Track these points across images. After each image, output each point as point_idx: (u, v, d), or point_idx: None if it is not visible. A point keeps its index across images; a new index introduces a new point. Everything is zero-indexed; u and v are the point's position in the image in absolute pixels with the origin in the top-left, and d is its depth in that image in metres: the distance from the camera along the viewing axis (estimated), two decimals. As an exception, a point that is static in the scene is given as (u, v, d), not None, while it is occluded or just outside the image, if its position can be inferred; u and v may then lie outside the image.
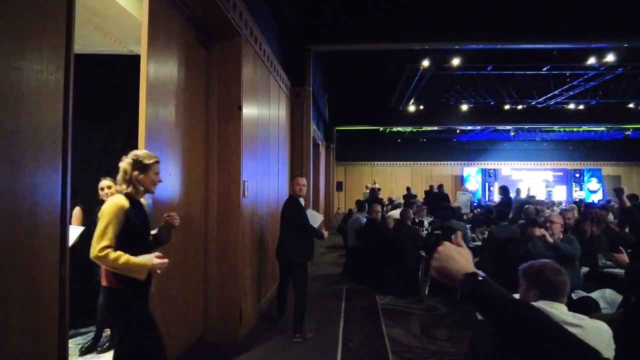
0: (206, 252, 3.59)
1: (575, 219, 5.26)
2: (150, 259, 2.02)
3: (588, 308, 3.33)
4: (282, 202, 4.19)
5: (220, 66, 3.65)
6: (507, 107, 11.43)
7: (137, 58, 2.60)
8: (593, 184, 16.77)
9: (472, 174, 17.46)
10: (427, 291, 5.18)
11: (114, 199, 2.03)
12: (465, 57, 7.89)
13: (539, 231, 3.67)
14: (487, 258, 5.25)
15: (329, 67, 9.64)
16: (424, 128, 14.25)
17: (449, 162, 17.85)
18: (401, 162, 17.68)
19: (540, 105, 11.16)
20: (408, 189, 10.56)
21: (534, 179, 16.96)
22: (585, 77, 8.77)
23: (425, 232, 5.68)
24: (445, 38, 6.17)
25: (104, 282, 2.03)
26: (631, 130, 14.06)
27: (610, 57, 7.55)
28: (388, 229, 5.83)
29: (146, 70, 2.57)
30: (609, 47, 7.19)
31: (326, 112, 11.14)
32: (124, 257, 1.92)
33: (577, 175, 17.02)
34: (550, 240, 3.63)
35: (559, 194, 16.30)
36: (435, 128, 14.22)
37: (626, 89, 9.68)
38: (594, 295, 3.48)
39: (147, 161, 2.10)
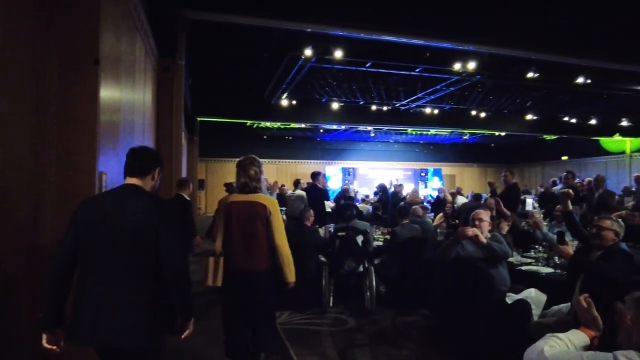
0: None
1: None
2: None
3: (523, 313, 3.10)
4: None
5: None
6: (373, 107, 11.72)
7: None
8: (435, 182, 18.69)
9: (334, 172, 17.79)
10: (331, 302, 4.55)
11: None
12: (348, 50, 7.56)
13: (471, 231, 3.32)
14: (390, 259, 4.89)
15: (196, 49, 8.34)
16: (292, 125, 13.86)
17: (313, 161, 17.95)
18: (267, 160, 17.01)
19: (403, 108, 11.73)
20: (297, 182, 9.64)
21: (387, 177, 18.14)
22: (448, 82, 9.35)
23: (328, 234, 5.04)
24: (333, 22, 5.69)
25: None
26: (468, 135, 16.01)
27: (472, 64, 8.11)
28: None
29: None
30: (474, 52, 7.66)
31: (189, 100, 9.74)
32: None
33: (423, 174, 18.83)
34: (484, 241, 3.31)
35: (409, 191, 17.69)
36: (304, 125, 13.95)
37: (475, 96, 10.73)
38: (522, 296, 3.28)
39: None
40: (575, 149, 16.54)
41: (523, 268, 3.64)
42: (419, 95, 10.46)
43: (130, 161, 1.94)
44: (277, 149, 17.00)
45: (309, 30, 6.34)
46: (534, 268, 3.63)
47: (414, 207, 5.47)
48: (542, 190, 9.68)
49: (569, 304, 2.98)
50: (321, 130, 15.60)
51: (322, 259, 4.73)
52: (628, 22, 6.37)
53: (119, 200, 1.83)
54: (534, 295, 3.27)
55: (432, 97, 10.68)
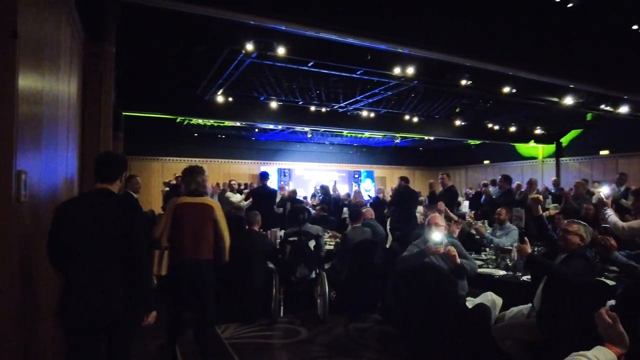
0: None
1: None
2: None
3: (484, 317, 3.10)
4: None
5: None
6: (312, 108, 11.61)
7: None
8: (367, 183, 19.09)
9: (270, 173, 17.42)
10: (281, 312, 4.29)
11: None
12: (291, 47, 7.34)
13: (451, 251, 3.25)
14: (340, 263, 4.74)
15: (124, 37, 7.59)
16: (226, 123, 13.31)
17: (247, 161, 17.47)
18: (196, 159, 16.21)
19: (342, 110, 11.75)
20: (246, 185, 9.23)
21: (323, 179, 18.19)
22: (386, 86, 9.49)
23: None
24: (275, 15, 5.44)
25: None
26: (400, 138, 16.51)
27: (410, 70, 8.28)
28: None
29: None
30: (413, 57, 7.80)
31: (114, 93, 8.88)
32: None
33: (356, 176, 19.14)
34: (458, 262, 3.27)
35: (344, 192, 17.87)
36: (239, 124, 13.45)
37: (411, 101, 11.04)
38: (480, 299, 3.29)
39: None
40: (496, 153, 17.78)
41: (479, 271, 3.68)
42: (357, 98, 10.52)
43: (101, 168, 2.24)
44: (209, 148, 16.29)
45: (252, 22, 6.02)
46: (488, 271, 3.68)
47: (365, 209, 5.38)
48: (472, 192, 10.19)
49: (529, 305, 3.04)
50: (257, 130, 15.18)
51: (271, 265, 4.46)
52: (549, 37, 6.88)
53: (95, 202, 2.16)
54: (490, 299, 3.30)
55: (370, 100, 10.81)
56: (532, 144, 15.70)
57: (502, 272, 3.65)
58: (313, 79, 9.17)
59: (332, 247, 5.04)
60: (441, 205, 5.08)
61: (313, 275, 4.24)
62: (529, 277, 3.40)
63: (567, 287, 2.69)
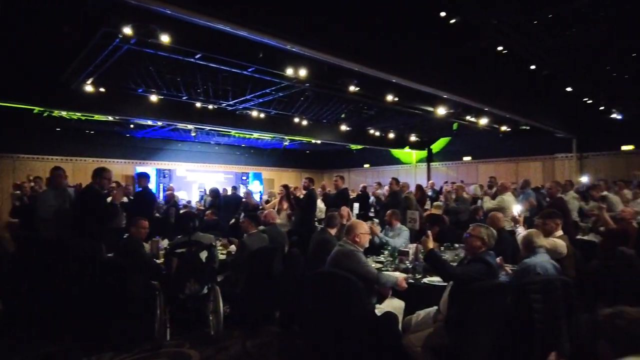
0: None
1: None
2: None
3: (392, 324, 3.05)
4: None
5: None
6: (198, 105, 10.88)
7: None
8: (256, 185, 18.73)
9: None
10: (168, 334, 3.74)
11: None
12: (177, 36, 6.66)
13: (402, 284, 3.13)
14: (236, 274, 4.36)
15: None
16: (96, 117, 11.76)
17: (121, 160, 15.77)
18: (58, 157, 14.13)
19: (230, 108, 11.23)
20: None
21: (208, 180, 17.30)
22: (278, 86, 9.30)
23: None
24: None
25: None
26: (288, 141, 16.52)
27: (303, 72, 8.20)
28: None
29: None
30: (306, 59, 7.72)
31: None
32: None
33: (244, 178, 18.63)
34: (405, 286, 3.17)
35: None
36: (111, 119, 11.99)
37: (301, 104, 11.03)
38: (385, 305, 3.25)
39: None
40: (375, 158, 18.92)
41: (380, 275, 3.64)
42: (248, 97, 10.14)
43: None
44: (74, 144, 14.28)
45: (133, 1, 5.26)
46: (388, 273, 3.67)
47: (266, 212, 5.06)
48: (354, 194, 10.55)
49: (435, 308, 3.08)
50: (132, 126, 13.72)
51: (154, 282, 3.89)
52: (430, 49, 7.42)
53: None
54: (395, 305, 3.28)
55: (261, 100, 10.52)
56: (407, 149, 17.03)
57: (403, 275, 3.69)
58: (200, 73, 8.53)
59: (224, 257, 4.62)
60: (344, 210, 5.05)
61: (205, 290, 3.80)
62: (431, 279, 3.49)
63: (469, 291, 2.75)
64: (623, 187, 8.23)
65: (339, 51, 6.63)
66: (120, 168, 15.61)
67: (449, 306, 2.82)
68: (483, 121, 11.88)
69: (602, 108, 10.99)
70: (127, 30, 6.21)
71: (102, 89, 9.35)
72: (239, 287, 4.17)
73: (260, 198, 15.52)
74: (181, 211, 7.66)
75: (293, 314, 3.97)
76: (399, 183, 7.79)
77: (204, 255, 3.82)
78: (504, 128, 12.94)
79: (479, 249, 2.96)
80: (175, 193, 13.25)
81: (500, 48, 6.93)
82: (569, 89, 9.34)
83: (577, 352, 2.42)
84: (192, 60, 7.59)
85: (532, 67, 7.82)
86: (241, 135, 15.37)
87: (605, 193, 7.42)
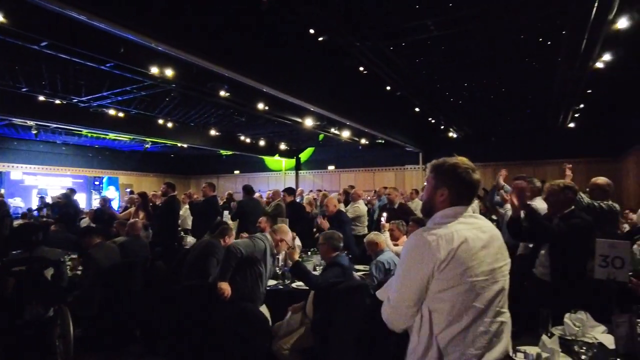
0: None
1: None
2: None
3: (264, 333, 3.08)
4: None
5: None
6: (42, 98, 9.47)
7: None
8: (111, 191, 17.04)
9: (-32, 177, 13.28)
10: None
11: None
12: (14, 18, 5.71)
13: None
14: (87, 293, 3.90)
15: None
16: None
17: None
18: None
19: (83, 105, 10.05)
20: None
21: (52, 185, 15.15)
22: (141, 85, 8.65)
23: None
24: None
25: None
26: (150, 143, 15.40)
27: (169, 71, 7.78)
28: None
29: None
30: (174, 59, 7.34)
31: None
32: None
33: (97, 182, 16.79)
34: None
35: (80, 201, 15.35)
36: None
37: (166, 105, 10.43)
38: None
39: None
40: (245, 164, 18.84)
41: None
42: (104, 94, 9.21)
43: None
44: None
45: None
46: (260, 283, 3.71)
47: (131, 221, 4.61)
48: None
49: (289, 314, 3.21)
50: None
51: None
52: (301, 64, 7.76)
53: None
54: (264, 314, 3.33)
55: (120, 98, 9.64)
56: (277, 157, 17.39)
57: (273, 282, 3.77)
58: (47, 62, 7.45)
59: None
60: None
61: (51, 312, 3.31)
62: (299, 283, 3.63)
63: (330, 296, 2.96)
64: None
65: (208, 55, 6.44)
66: None
67: (314, 310, 3.00)
68: (345, 134, 12.82)
69: (442, 127, 12.80)
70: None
71: None
72: (93, 307, 3.74)
73: (119, 206, 14.18)
74: (18, 222, 6.53)
75: (157, 330, 3.73)
76: (214, 189, 7.55)
77: (49, 272, 3.34)
78: (363, 141, 14.14)
79: (331, 254, 3.26)
80: (9, 200, 11.31)
81: (361, 68, 7.57)
82: (417, 109, 10.67)
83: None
84: (36, 47, 6.61)
85: (388, 87, 8.73)
86: (95, 135, 13.82)
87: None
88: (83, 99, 9.58)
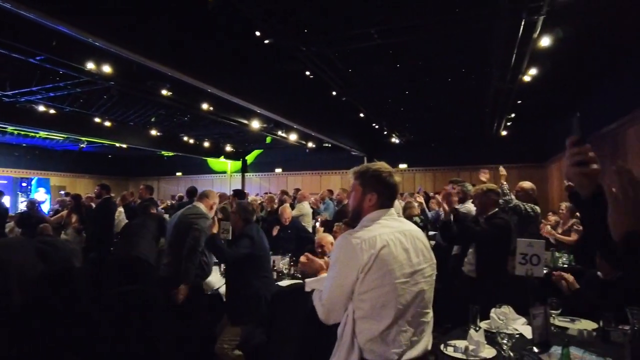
0: None
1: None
2: None
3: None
4: None
5: None
6: (-41, 91, 8.66)
7: None
8: (41, 194, 15.88)
9: None
10: None
11: None
12: None
13: None
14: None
15: None
16: None
17: None
18: None
19: (8, 100, 9.31)
20: None
21: (-29, 187, 13.80)
22: (75, 81, 8.17)
23: None
24: None
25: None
26: (86, 143, 14.57)
27: (107, 68, 7.41)
28: None
29: None
30: (111, 55, 7.00)
31: None
32: None
33: (25, 184, 15.56)
34: None
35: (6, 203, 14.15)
36: None
37: (104, 103, 9.91)
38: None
39: None
40: (189, 166, 18.28)
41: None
42: (34, 89, 8.59)
43: None
44: None
45: None
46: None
47: (42, 226, 4.32)
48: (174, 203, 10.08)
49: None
50: None
51: None
52: (244, 64, 7.69)
53: None
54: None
55: (52, 94, 9.05)
56: (222, 159, 17.06)
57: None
58: (-37, 52, 6.83)
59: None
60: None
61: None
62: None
63: (276, 295, 2.97)
64: (406, 197, 9.98)
65: (148, 52, 6.19)
66: None
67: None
68: (292, 137, 12.86)
69: (385, 132, 13.22)
70: None
71: None
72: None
73: (50, 209, 13.24)
74: None
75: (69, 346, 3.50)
76: (152, 191, 7.37)
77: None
78: (310, 144, 14.26)
79: (242, 225, 3.32)
80: None
81: (308, 72, 7.65)
82: (362, 115, 10.95)
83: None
84: (-50, 34, 6.05)
85: (334, 92, 8.88)
86: (23, 133, 12.83)
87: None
88: (8, 93, 8.87)
